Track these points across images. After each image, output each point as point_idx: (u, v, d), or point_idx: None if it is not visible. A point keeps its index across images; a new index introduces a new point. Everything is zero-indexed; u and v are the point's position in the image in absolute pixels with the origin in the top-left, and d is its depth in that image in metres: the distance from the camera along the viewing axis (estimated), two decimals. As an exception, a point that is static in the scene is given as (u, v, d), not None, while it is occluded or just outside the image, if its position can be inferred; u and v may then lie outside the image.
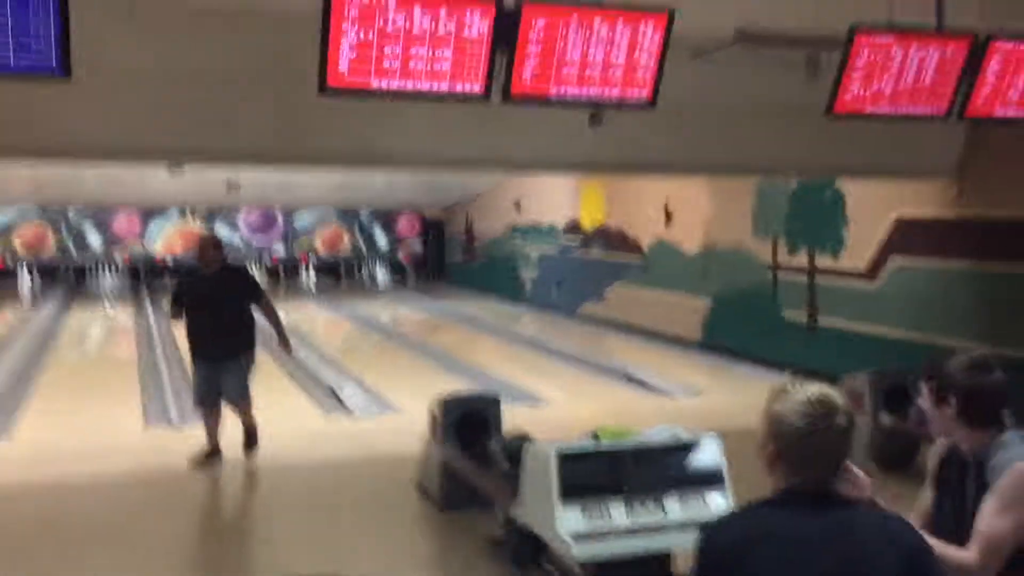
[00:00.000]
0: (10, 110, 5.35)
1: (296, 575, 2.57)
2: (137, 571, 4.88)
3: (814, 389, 1.86)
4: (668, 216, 13.09)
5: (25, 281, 20.76)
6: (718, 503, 3.91)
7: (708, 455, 4.02)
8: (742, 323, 11.45)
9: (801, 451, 1.82)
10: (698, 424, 5.22)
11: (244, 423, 6.89)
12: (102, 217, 20.82)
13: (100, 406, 8.85)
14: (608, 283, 14.80)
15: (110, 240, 21.02)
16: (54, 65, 4.11)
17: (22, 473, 6.54)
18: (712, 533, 1.89)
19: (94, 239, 20.93)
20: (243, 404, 6.79)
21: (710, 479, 3.97)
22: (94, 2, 4.51)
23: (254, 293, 6.90)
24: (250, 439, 6.88)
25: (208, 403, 6.70)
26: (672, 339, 12.60)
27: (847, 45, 5.48)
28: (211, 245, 6.85)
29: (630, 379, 10.13)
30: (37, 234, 20.55)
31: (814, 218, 10.20)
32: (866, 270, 9.42)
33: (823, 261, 10.03)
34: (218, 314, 6.55)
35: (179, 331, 7.17)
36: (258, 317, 6.94)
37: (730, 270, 11.63)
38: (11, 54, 4.04)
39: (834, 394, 1.87)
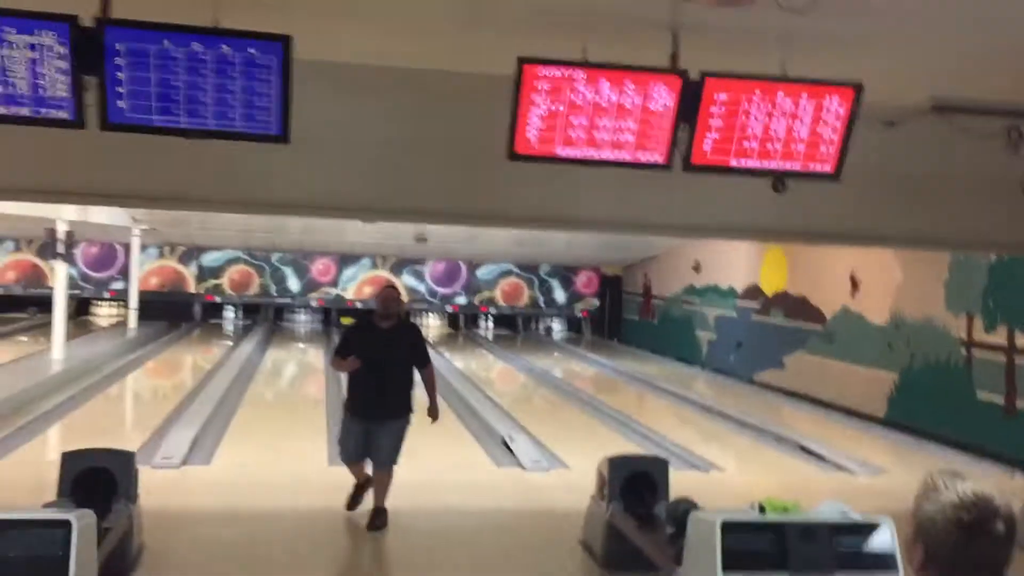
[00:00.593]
0: (225, 166, 5.91)
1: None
2: None
3: (968, 488, 1.66)
4: (855, 284, 12.68)
5: (230, 317, 22.45)
6: (889, 589, 3.80)
7: (881, 538, 3.91)
8: (931, 401, 10.90)
9: (953, 559, 1.64)
10: (876, 505, 5.05)
11: (378, 498, 6.49)
12: (301, 262, 22.26)
13: (290, 441, 9.43)
14: (788, 350, 14.43)
15: (307, 283, 22.40)
16: (276, 131, 4.56)
17: (218, 498, 7.07)
18: None
19: (293, 282, 22.37)
20: (390, 469, 6.46)
21: (881, 563, 3.86)
22: (305, 72, 4.98)
23: (424, 355, 6.59)
24: (381, 519, 6.46)
25: (357, 460, 6.53)
26: (853, 413, 12.13)
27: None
28: (396, 298, 6.60)
29: (806, 451, 9.83)
30: (243, 275, 22.18)
31: (1016, 294, 9.65)
32: (1071, 353, 8.81)
33: (1024, 340, 9.46)
34: (388, 371, 6.29)
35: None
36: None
37: (919, 344, 11.13)
38: (238, 119, 4.52)
39: (991, 495, 1.67)
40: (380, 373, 6.26)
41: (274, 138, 4.58)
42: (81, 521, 3.55)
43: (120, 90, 4.38)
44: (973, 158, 6.75)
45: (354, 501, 6.66)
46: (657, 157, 4.94)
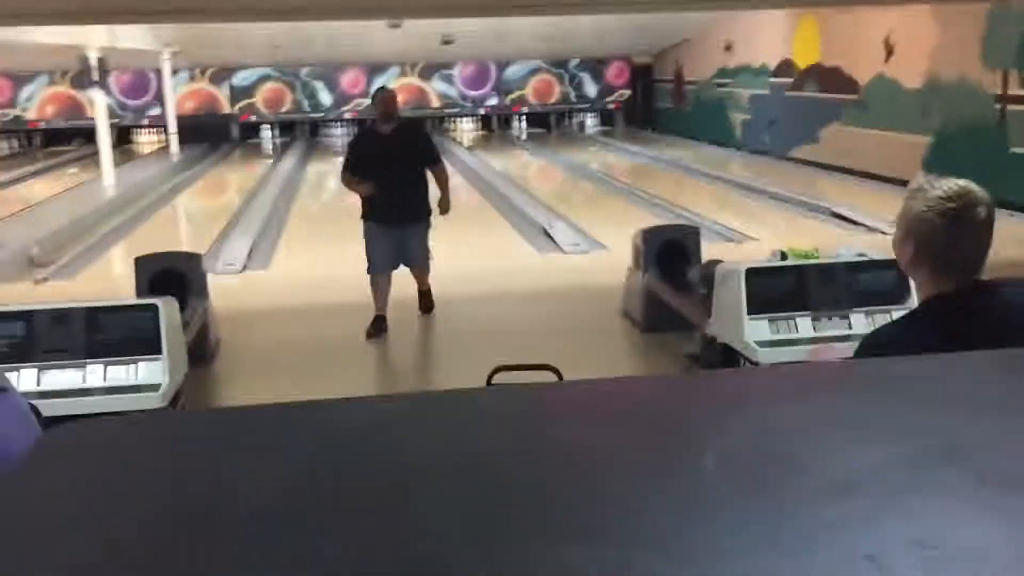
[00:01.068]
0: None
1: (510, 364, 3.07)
2: (361, 384, 5.65)
3: (951, 183, 1.80)
4: (889, 50, 12.48)
5: (267, 136, 22.69)
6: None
7: (895, 275, 4.19)
8: (964, 159, 10.94)
9: (943, 246, 1.78)
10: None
11: (422, 287, 6.79)
12: (331, 75, 22.17)
13: (339, 246, 9.83)
14: (822, 123, 14.39)
15: (339, 97, 22.40)
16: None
17: (280, 298, 7.58)
18: (872, 343, 1.89)
19: (325, 96, 22.37)
20: (426, 268, 6.64)
21: (897, 297, 4.17)
22: None
23: (432, 153, 6.50)
24: (428, 301, 6.81)
25: (388, 269, 6.43)
26: (888, 180, 12.23)
27: None
28: (393, 99, 6.37)
29: (839, 218, 10.07)
30: (276, 92, 22.22)
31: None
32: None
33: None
34: (400, 175, 6.14)
35: (351, 196, 6.72)
36: None
37: (953, 105, 11.07)
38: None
39: (973, 186, 1.81)
40: (394, 177, 6.11)
41: (294, -64, 4.66)
42: (166, 305, 3.98)
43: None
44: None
45: (376, 330, 6.43)
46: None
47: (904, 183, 9.34)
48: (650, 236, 6.14)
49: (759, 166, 15.36)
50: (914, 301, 4.23)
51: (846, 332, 4.16)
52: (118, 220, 11.65)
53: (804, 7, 13.27)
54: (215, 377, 5.65)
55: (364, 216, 6.41)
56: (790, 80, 15.52)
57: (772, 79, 16.23)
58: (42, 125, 21.68)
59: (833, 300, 4.15)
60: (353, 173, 6.31)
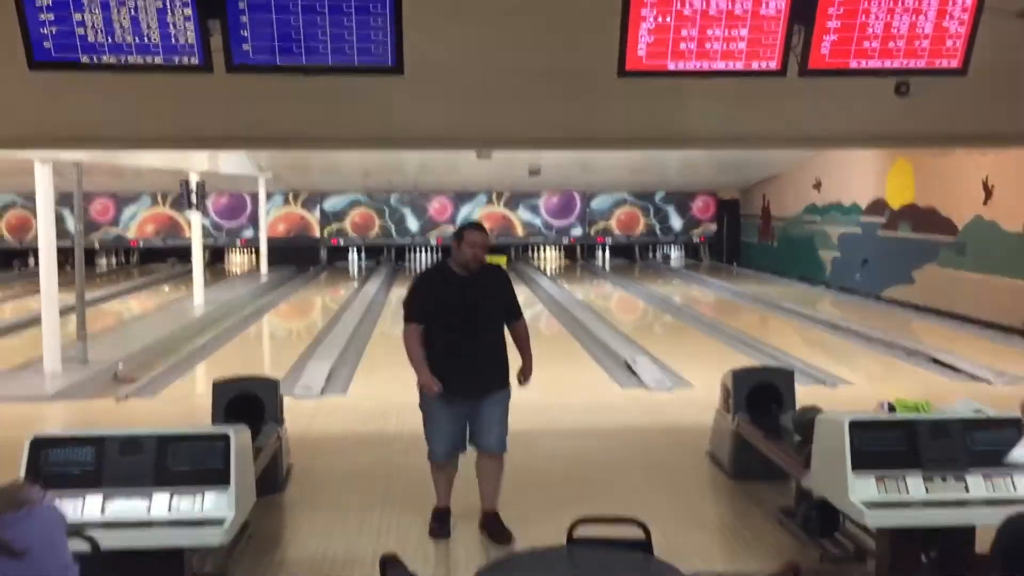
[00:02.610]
0: (343, 102, 6.09)
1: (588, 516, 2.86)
2: (427, 518, 5.39)
3: None
4: (988, 192, 12.14)
5: (353, 259, 23.16)
6: (1027, 484, 3.74)
7: (1017, 433, 3.84)
8: (1073, 308, 10.43)
9: None
10: (1011, 409, 4.95)
11: (491, 499, 4.96)
12: (419, 202, 22.68)
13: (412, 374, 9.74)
14: (917, 264, 13.98)
15: (426, 223, 22.83)
16: (390, 62, 4.70)
17: (356, 423, 7.44)
18: (1017, 524, 1.76)
19: (412, 222, 22.84)
20: (502, 457, 4.97)
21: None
22: (421, 2, 5.07)
23: (516, 305, 5.04)
24: (500, 527, 4.90)
25: (455, 455, 4.96)
26: (989, 325, 11.71)
27: None
28: (487, 241, 4.90)
29: (938, 363, 9.58)
30: (364, 217, 22.78)
31: None
32: None
33: None
34: (481, 331, 4.80)
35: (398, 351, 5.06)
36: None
37: (1059, 250, 10.62)
38: (354, 53, 4.67)
39: None
40: (474, 333, 4.75)
41: (389, 69, 4.71)
42: (238, 435, 3.85)
43: (243, 32, 4.58)
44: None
45: (440, 526, 4.95)
46: (771, 64, 4.86)
47: (1005, 329, 8.90)
48: (741, 377, 5.85)
49: (849, 305, 14.93)
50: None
51: (962, 496, 3.78)
52: (204, 339, 11.81)
53: (891, 147, 13.07)
54: (284, 505, 5.48)
55: (426, 385, 4.79)
56: (883, 219, 15.21)
57: (863, 218, 15.94)
58: (140, 244, 22.54)
59: (947, 459, 3.79)
60: (421, 323, 4.82)
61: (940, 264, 13.33)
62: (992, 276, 11.99)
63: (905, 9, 4.81)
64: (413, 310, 4.89)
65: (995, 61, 5.40)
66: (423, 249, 23.20)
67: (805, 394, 6.18)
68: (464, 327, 4.77)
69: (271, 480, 5.16)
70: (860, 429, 3.84)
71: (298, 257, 21.73)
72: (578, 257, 23.40)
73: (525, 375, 5.07)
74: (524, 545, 4.68)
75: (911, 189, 14.34)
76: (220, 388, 5.47)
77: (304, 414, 7.45)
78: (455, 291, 4.81)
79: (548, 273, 21.14)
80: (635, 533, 2.99)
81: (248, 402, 5.38)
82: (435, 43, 5.79)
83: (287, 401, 6.24)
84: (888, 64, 4.95)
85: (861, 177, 15.96)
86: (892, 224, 14.91)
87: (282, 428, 5.61)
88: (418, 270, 22.39)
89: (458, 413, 4.85)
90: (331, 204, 22.62)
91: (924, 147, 11.90)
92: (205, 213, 17.62)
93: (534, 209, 23.05)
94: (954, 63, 4.98)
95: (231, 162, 15.90)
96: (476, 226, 4.98)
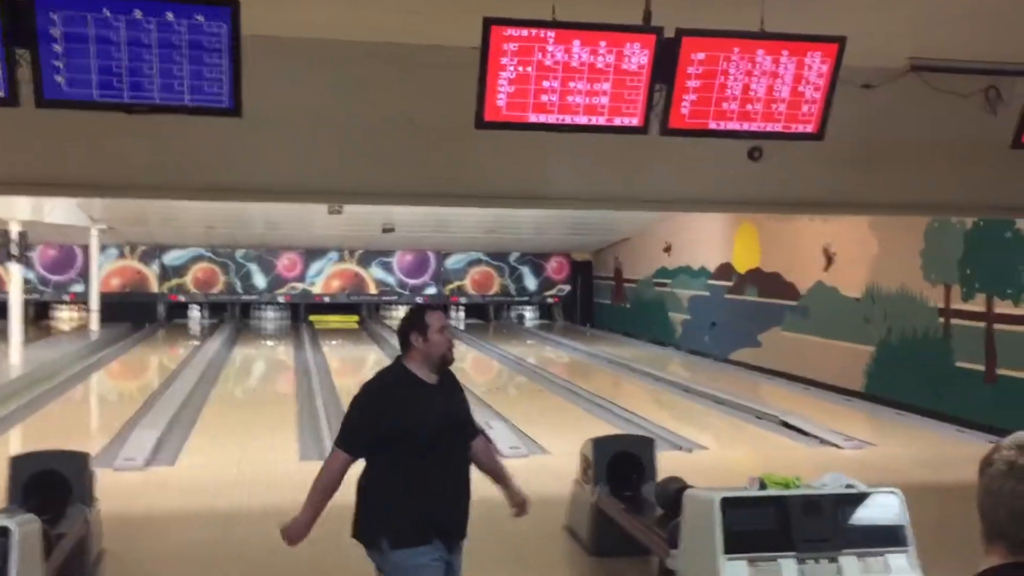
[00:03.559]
0: (179, 149, 5.60)
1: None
2: None
3: (1019, 437, 1.50)
4: (829, 259, 12.56)
5: (195, 316, 22.01)
6: (901, 566, 3.57)
7: (889, 511, 3.69)
8: (909, 372, 10.80)
9: (1008, 516, 1.45)
10: (865, 478, 4.87)
11: None
12: (267, 258, 21.84)
13: (259, 439, 9.12)
14: (763, 328, 14.31)
15: (274, 279, 21.98)
16: (227, 103, 4.27)
17: (184, 499, 6.76)
18: None
19: (259, 279, 21.94)
20: None
21: (891, 538, 3.64)
22: (260, 48, 4.69)
23: (471, 417, 3.81)
24: None
25: None
26: (832, 388, 12.01)
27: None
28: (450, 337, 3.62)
29: (788, 427, 9.68)
30: (207, 273, 21.72)
31: (992, 260, 9.54)
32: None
33: (1003, 307, 9.35)
34: (454, 455, 3.57)
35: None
36: None
37: (896, 316, 11.02)
38: (186, 91, 4.22)
39: None
40: (442, 459, 3.50)
41: (226, 111, 4.28)
42: (23, 527, 3.26)
43: (56, 63, 4.06)
44: (953, 120, 6.59)
45: None
46: (632, 120, 4.71)
47: (846, 392, 8.94)
48: (601, 446, 5.60)
49: (700, 367, 15.12)
50: (911, 543, 3.77)
51: (835, 579, 3.59)
52: (16, 404, 10.72)
53: (744, 211, 13.42)
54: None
55: (391, 532, 3.42)
56: (730, 283, 15.57)
57: (711, 281, 16.29)
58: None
59: (820, 539, 3.59)
60: (359, 456, 3.48)
61: (784, 328, 13.68)
62: (833, 340, 12.34)
63: (763, 72, 4.76)
64: (357, 435, 3.47)
65: (844, 130, 5.46)
66: (270, 307, 22.33)
67: (663, 460, 5.98)
68: (435, 452, 3.45)
69: (75, 571, 4.49)
70: (731, 507, 3.60)
71: (134, 313, 20.44)
72: (431, 317, 23.01)
73: (524, 503, 3.93)
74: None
75: (756, 254, 14.75)
76: (18, 464, 4.78)
77: (125, 489, 6.72)
78: (426, 404, 3.48)
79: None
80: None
81: (51, 480, 4.71)
82: (280, 85, 5.40)
83: (107, 475, 5.59)
84: (746, 126, 4.88)
85: (709, 241, 16.34)
86: (739, 288, 15.27)
87: (91, 509, 4.94)
88: (265, 328, 21.55)
89: (437, 563, 3.45)
90: (171, 258, 21.48)
91: (776, 212, 12.23)
92: (28, 266, 16.34)
93: (387, 267, 22.61)
94: (810, 128, 4.96)
95: (59, 211, 14.79)
96: (431, 306, 3.81)
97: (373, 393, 3.56)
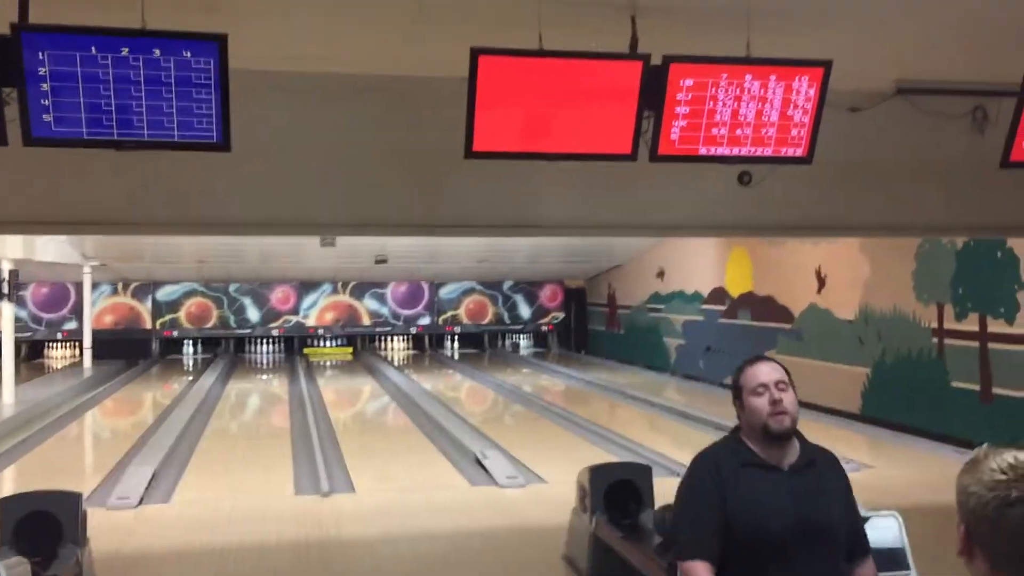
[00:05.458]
0: (170, 184, 5.59)
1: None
2: None
3: (1009, 455, 1.49)
4: (821, 281, 12.58)
5: (188, 352, 21.92)
6: (899, 588, 3.53)
7: (888, 533, 3.65)
8: (905, 393, 10.78)
9: (997, 532, 1.45)
10: (863, 500, 4.83)
11: None
12: (260, 291, 21.80)
13: (254, 473, 9.06)
14: (757, 351, 14.24)
15: (267, 313, 21.93)
16: (216, 138, 4.26)
17: (179, 536, 6.69)
18: None
19: (252, 313, 21.88)
20: None
21: (891, 561, 3.60)
22: (249, 81, 4.70)
23: (861, 526, 2.86)
24: None
25: None
26: (828, 411, 11.98)
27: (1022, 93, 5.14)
28: (784, 375, 2.80)
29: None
30: (201, 308, 21.66)
31: (984, 279, 9.56)
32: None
33: (997, 326, 9.35)
34: (813, 569, 2.61)
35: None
36: None
37: (890, 337, 11.01)
38: (175, 127, 4.22)
39: None
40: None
41: (214, 146, 4.28)
42: (12, 570, 3.21)
43: (44, 102, 4.06)
44: (940, 141, 6.63)
45: None
46: (622, 148, 4.72)
47: (843, 414, 8.93)
48: (598, 474, 5.56)
49: (695, 393, 15.08)
50: (911, 567, 3.73)
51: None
52: (12, 442, 10.64)
53: (735, 235, 13.45)
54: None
55: None
56: (723, 307, 15.57)
57: (705, 306, 16.29)
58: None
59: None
60: (711, 560, 2.55)
61: (780, 351, 13.64)
62: (829, 363, 12.33)
63: (751, 97, 4.78)
64: (699, 534, 2.59)
65: (832, 152, 5.48)
66: (264, 341, 22.24)
67: (661, 487, 5.94)
68: (777, 566, 2.55)
69: (67, 613, 4.43)
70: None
71: (127, 350, 20.35)
72: (427, 347, 22.97)
73: None
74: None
75: (749, 278, 14.76)
76: (8, 505, 4.71)
77: (120, 528, 6.66)
78: (769, 494, 2.61)
79: (396, 363, 20.60)
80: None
81: (42, 521, 4.65)
82: (269, 117, 5.42)
83: (101, 514, 5.52)
84: (736, 151, 4.90)
85: (701, 266, 16.36)
86: (732, 312, 15.27)
87: (84, 550, 4.88)
88: (260, 363, 21.45)
89: None
90: (164, 294, 21.42)
91: (767, 235, 12.26)
92: (21, 304, 16.29)
93: (381, 298, 22.57)
94: (799, 151, 4.98)
95: (51, 249, 14.76)
96: (756, 358, 2.84)
97: (702, 475, 2.67)
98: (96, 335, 18.93)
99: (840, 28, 5.15)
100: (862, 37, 5.40)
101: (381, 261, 18.62)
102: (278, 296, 21.96)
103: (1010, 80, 5.52)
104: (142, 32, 4.03)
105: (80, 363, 18.71)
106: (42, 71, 4.01)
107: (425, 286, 22.68)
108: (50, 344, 21.18)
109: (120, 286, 21.04)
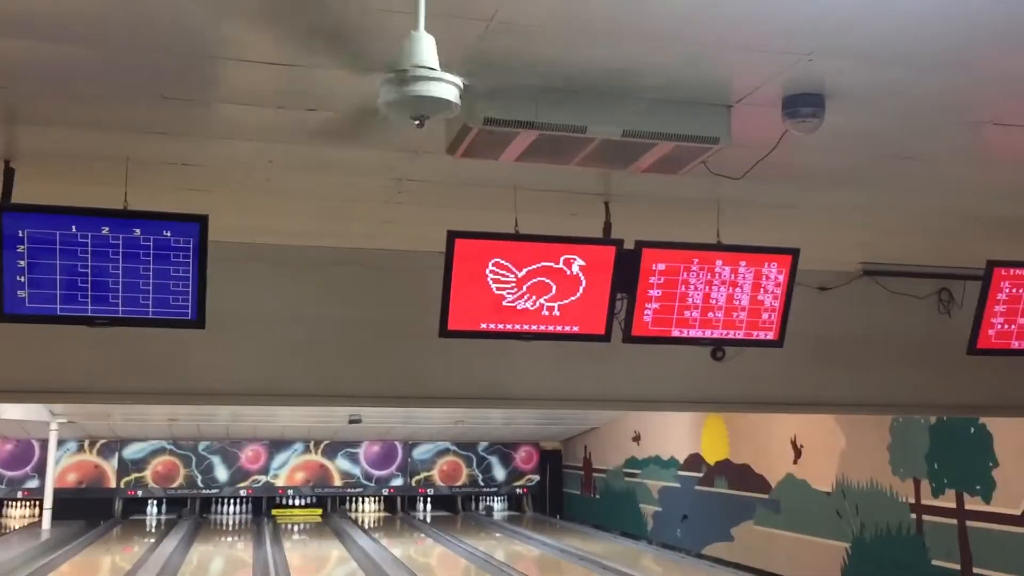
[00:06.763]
0: (139, 354, 5.56)
1: None
2: None
3: None
4: (797, 451, 12.50)
5: (152, 512, 21.23)
6: None
7: None
8: (887, 571, 10.54)
9: None
10: None
11: None
12: (230, 450, 21.36)
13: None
14: (735, 521, 14.03)
15: (236, 472, 21.41)
16: (191, 316, 4.28)
17: None
18: None
19: (221, 472, 21.36)
20: None
21: None
22: (228, 251, 4.77)
23: None
24: None
25: None
26: (809, 586, 11.69)
27: (986, 280, 5.28)
28: None
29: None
30: (168, 466, 21.13)
31: (959, 456, 9.54)
32: (1024, 514, 8.64)
33: (974, 504, 9.27)
34: None
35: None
36: None
37: (868, 511, 10.86)
38: (150, 305, 4.24)
39: None
40: None
41: (189, 323, 4.29)
42: None
43: (20, 279, 4.08)
44: (907, 320, 6.77)
45: None
46: (595, 329, 4.77)
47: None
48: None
49: (672, 563, 14.70)
50: None
51: None
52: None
53: (708, 411, 13.43)
54: None
55: None
56: (700, 474, 15.39)
57: (681, 472, 16.09)
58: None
59: None
60: None
61: (758, 522, 13.42)
62: (807, 536, 12.10)
63: (722, 282, 4.88)
64: None
65: (802, 330, 5.57)
66: (231, 501, 21.62)
67: None
68: None
69: None
70: None
71: (89, 510, 19.66)
72: (398, 509, 22.39)
73: None
74: None
75: (725, 445, 14.66)
76: None
77: None
78: None
79: (365, 527, 20.02)
80: None
81: None
82: (245, 289, 5.47)
83: None
84: (708, 334, 4.96)
85: (678, 432, 16.26)
86: (709, 480, 15.08)
87: None
88: (226, 524, 20.76)
89: None
90: (131, 452, 20.91)
91: (739, 411, 12.26)
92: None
93: (353, 458, 22.14)
94: (771, 335, 5.05)
95: (17, 406, 14.51)
96: None
97: None
98: (57, 494, 18.37)
99: (806, 216, 5.33)
100: (827, 225, 5.58)
101: (355, 421, 18.40)
102: (248, 455, 21.51)
103: (973, 263, 5.69)
104: (123, 212, 4.11)
105: (39, 523, 18.06)
106: (20, 248, 4.05)
107: (399, 446, 22.34)
108: (9, 503, 20.48)
109: (87, 443, 20.56)
